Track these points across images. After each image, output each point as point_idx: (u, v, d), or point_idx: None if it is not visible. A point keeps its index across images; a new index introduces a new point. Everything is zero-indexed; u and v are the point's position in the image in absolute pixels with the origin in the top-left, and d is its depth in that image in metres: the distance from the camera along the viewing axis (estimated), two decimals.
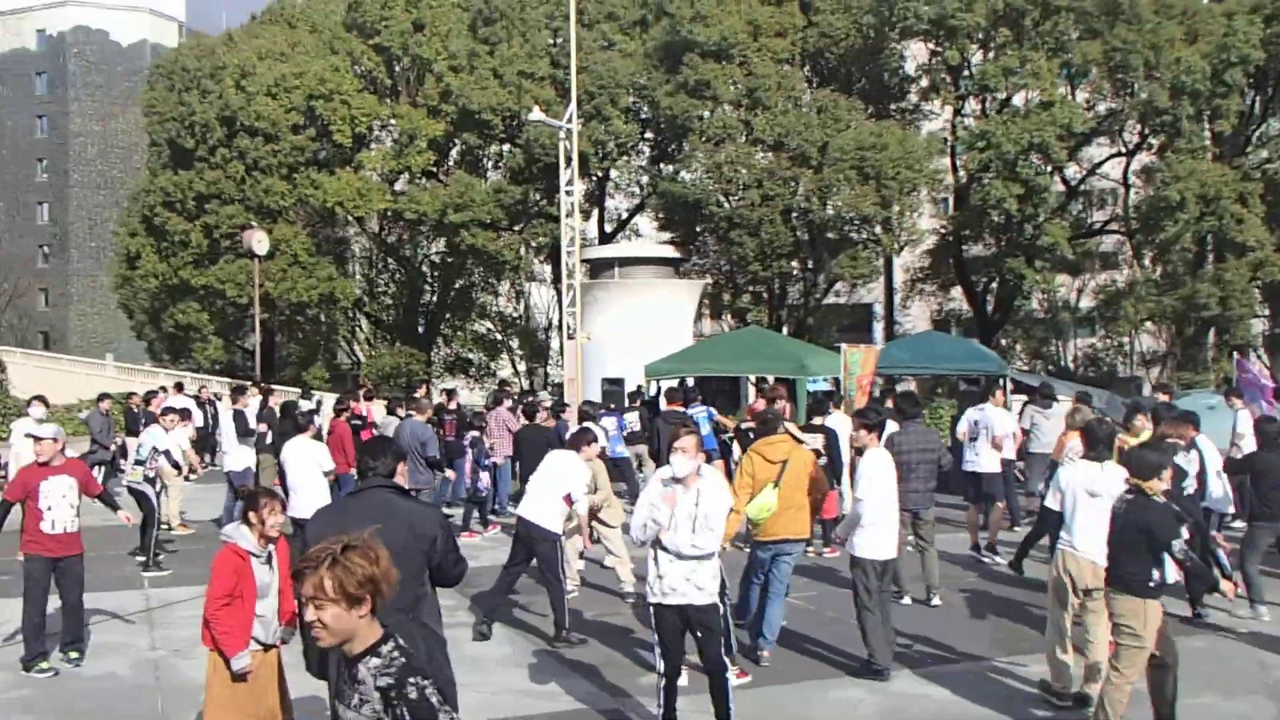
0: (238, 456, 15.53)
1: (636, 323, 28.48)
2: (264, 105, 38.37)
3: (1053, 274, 35.25)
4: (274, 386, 28.71)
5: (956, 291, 40.07)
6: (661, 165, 38.16)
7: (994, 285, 37.33)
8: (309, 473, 11.26)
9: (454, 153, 40.68)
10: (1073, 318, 40.16)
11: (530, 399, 18.27)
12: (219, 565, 6.25)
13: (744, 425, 14.81)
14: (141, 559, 13.19)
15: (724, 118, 34.22)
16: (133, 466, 13.70)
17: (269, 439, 15.25)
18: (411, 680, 3.36)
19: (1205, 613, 10.32)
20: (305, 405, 17.43)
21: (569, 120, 27.85)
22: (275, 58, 39.83)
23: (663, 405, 18.70)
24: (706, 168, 33.61)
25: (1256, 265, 31.27)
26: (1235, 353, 25.92)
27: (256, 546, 6.33)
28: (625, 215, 43.31)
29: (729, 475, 11.34)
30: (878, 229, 34.01)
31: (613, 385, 24.62)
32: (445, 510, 15.53)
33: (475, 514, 15.82)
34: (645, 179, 39.02)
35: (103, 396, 20.26)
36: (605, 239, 40.92)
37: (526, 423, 14.67)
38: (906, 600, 10.93)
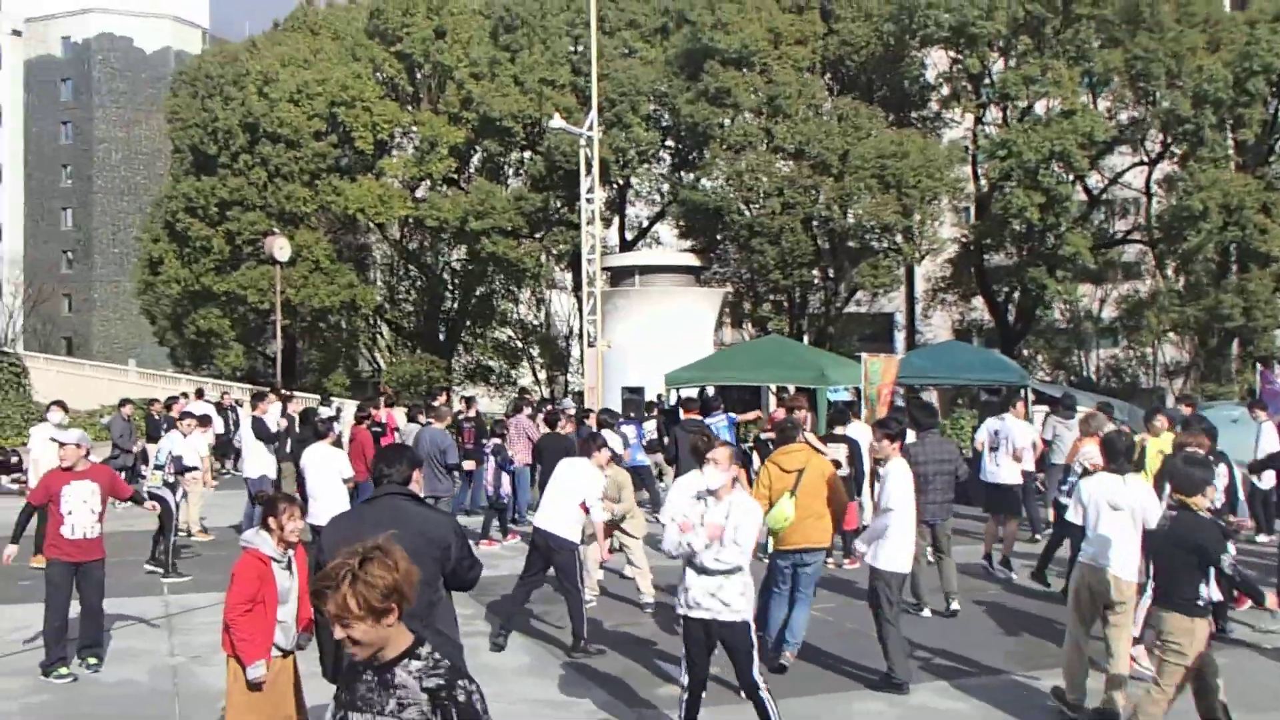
0: (255, 463, 15.56)
1: (657, 331, 28.47)
2: (286, 112, 38.51)
3: (1075, 284, 35.01)
4: (294, 393, 28.82)
5: (978, 301, 39.87)
6: (682, 173, 38.11)
7: (1016, 295, 37.15)
8: (328, 480, 11.28)
9: (475, 160, 40.78)
10: (1095, 328, 39.87)
11: (553, 406, 18.24)
12: (241, 571, 6.24)
13: (763, 435, 14.77)
14: (152, 568, 13.11)
15: (744, 125, 34.21)
16: (152, 471, 13.74)
17: (289, 446, 15.29)
18: (461, 683, 3.36)
19: (1229, 628, 10.19)
20: (325, 412, 17.49)
21: (590, 128, 27.91)
22: (298, 65, 39.97)
23: (681, 414, 18.66)
24: (727, 175, 33.61)
25: None
26: (1259, 364, 25.67)
27: (277, 552, 6.33)
28: (646, 223, 43.32)
29: (748, 484, 11.28)
30: (899, 238, 33.91)
31: (633, 393, 24.55)
32: (464, 518, 15.58)
33: (495, 522, 15.83)
34: (666, 187, 39.05)
35: (124, 402, 20.37)
36: (626, 247, 40.90)
37: (547, 430, 14.63)
38: (926, 613, 10.87)
